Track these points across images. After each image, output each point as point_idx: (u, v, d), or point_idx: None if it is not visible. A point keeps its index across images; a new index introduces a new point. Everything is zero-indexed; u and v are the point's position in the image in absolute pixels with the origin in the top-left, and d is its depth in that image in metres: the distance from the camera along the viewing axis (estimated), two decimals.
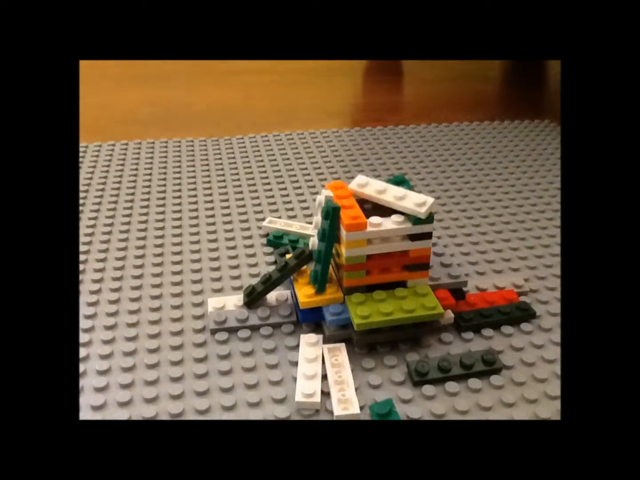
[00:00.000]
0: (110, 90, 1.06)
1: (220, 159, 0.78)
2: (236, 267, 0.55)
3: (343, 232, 0.44)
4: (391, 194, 0.45)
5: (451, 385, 0.43)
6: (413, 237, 0.45)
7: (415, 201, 0.44)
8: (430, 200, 0.44)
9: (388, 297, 0.45)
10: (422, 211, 0.44)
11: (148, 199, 0.68)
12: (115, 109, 0.97)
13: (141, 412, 0.40)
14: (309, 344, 0.45)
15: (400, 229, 0.44)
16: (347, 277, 0.45)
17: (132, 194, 0.69)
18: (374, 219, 0.44)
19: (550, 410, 0.41)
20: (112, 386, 0.43)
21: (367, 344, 0.46)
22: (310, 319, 0.47)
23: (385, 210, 0.47)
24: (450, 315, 0.47)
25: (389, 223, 0.44)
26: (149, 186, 0.71)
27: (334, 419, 0.40)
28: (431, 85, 1.09)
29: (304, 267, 0.49)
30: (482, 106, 0.98)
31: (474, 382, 0.43)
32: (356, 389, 0.42)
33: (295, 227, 0.60)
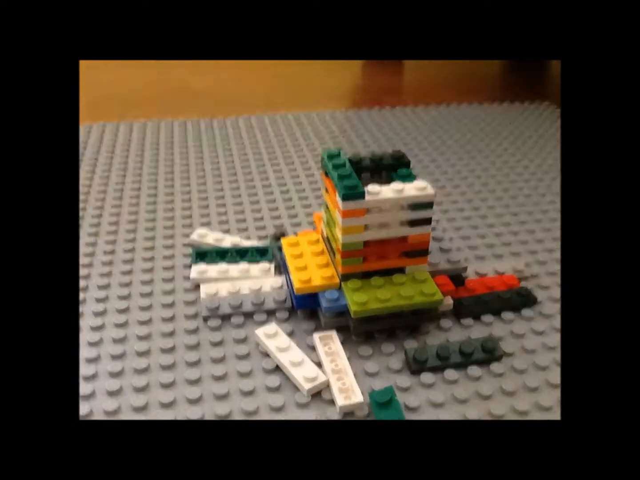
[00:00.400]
0: (108, 70, 1.03)
1: (214, 139, 0.76)
2: None
3: (339, 218, 0.42)
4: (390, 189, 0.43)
5: (450, 373, 0.42)
6: (412, 223, 0.44)
7: (416, 186, 0.43)
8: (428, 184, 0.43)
9: (386, 283, 0.44)
10: (431, 192, 0.43)
11: (139, 181, 0.66)
12: (114, 89, 0.95)
13: (131, 401, 0.39)
14: (269, 336, 0.43)
15: (400, 198, 0.42)
16: (344, 264, 0.44)
17: (123, 175, 0.67)
18: (372, 187, 0.42)
19: (552, 399, 0.40)
20: (101, 375, 0.41)
21: (364, 332, 0.45)
22: (305, 306, 0.46)
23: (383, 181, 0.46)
24: (449, 301, 0.46)
25: (388, 191, 0.42)
26: (140, 168, 0.69)
27: (338, 409, 0.38)
28: (431, 68, 1.06)
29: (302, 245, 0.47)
30: (483, 89, 0.96)
31: (473, 370, 0.42)
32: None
33: (228, 242, 0.54)
